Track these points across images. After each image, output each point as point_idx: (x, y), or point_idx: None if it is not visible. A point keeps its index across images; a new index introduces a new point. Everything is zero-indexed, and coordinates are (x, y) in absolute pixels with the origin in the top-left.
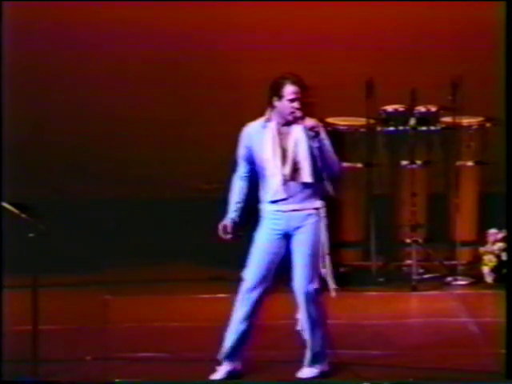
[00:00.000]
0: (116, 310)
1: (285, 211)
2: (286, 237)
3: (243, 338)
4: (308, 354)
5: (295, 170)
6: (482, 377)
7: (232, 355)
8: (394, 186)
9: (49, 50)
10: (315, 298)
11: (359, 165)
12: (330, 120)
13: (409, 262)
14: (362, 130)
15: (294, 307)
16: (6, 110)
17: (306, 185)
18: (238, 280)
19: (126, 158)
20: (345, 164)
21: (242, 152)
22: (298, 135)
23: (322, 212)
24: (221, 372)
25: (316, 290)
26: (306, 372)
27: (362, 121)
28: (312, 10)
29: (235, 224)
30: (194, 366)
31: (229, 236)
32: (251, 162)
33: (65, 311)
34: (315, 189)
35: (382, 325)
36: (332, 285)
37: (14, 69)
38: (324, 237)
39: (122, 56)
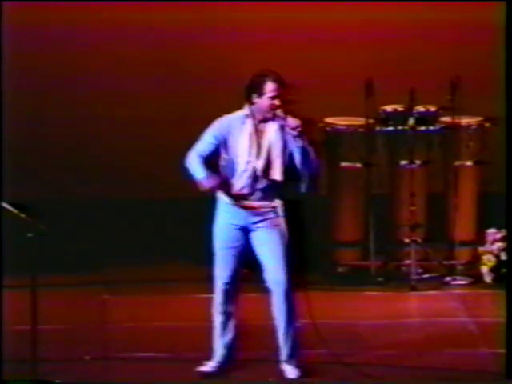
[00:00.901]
0: (115, 309)
1: (242, 206)
2: (245, 231)
3: (230, 338)
4: (284, 351)
5: (267, 166)
6: (481, 376)
7: (220, 353)
8: (393, 186)
9: (49, 49)
10: (290, 293)
11: (358, 165)
12: (329, 120)
13: (408, 261)
14: (361, 129)
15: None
16: (6, 110)
17: (272, 183)
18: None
19: (125, 157)
20: (344, 164)
21: (213, 139)
22: (273, 133)
23: (280, 211)
24: (206, 367)
25: (290, 285)
26: (290, 371)
27: (361, 121)
28: (311, 11)
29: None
30: (193, 366)
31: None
32: (217, 149)
33: (64, 311)
34: (279, 188)
35: (381, 324)
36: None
37: (13, 69)
38: (285, 233)
39: (121, 56)
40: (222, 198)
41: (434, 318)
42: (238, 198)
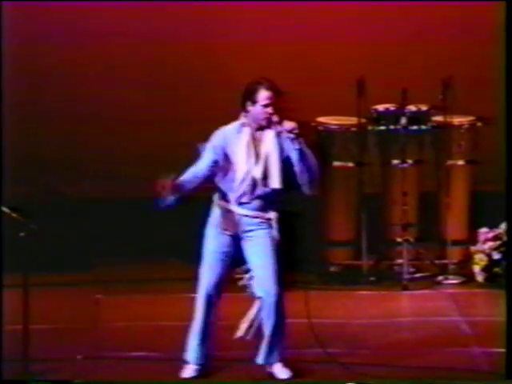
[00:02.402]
0: (107, 309)
1: (236, 214)
2: (235, 238)
3: (207, 339)
4: (264, 350)
5: (265, 174)
6: (473, 376)
7: (199, 356)
8: (385, 185)
9: (48, 50)
10: (280, 302)
11: (350, 164)
12: (321, 119)
13: (400, 261)
14: (353, 129)
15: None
16: (5, 110)
17: (271, 192)
18: (231, 280)
19: (117, 157)
20: (336, 163)
21: (211, 150)
22: (270, 140)
23: (274, 224)
24: (189, 371)
25: (280, 293)
26: (281, 372)
27: (353, 120)
28: (303, 10)
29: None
30: (184, 365)
31: (166, 192)
32: (216, 162)
33: (56, 310)
34: (275, 198)
35: (373, 324)
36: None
37: (12, 69)
38: (276, 246)
39: (117, 56)
40: (220, 202)
41: (426, 317)
42: (235, 205)
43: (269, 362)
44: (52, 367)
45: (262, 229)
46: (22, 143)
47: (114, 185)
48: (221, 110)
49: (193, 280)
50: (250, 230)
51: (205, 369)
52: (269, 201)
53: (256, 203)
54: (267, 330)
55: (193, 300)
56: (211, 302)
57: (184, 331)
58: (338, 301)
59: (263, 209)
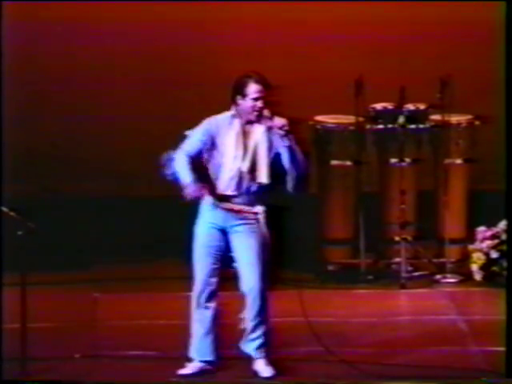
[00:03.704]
0: (105, 307)
1: (223, 208)
2: (223, 232)
3: (211, 338)
4: (252, 350)
5: (253, 168)
6: (470, 375)
7: (203, 355)
8: (382, 184)
9: (46, 51)
10: (262, 299)
11: (348, 163)
12: (319, 118)
13: (398, 259)
14: (351, 127)
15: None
16: (4, 109)
17: (258, 187)
18: (226, 279)
19: (113, 156)
20: (334, 162)
21: (202, 136)
22: (259, 134)
23: (261, 217)
24: (191, 368)
25: (264, 290)
26: (263, 370)
27: (351, 119)
28: (301, 8)
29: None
30: (182, 364)
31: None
32: (204, 149)
33: (53, 309)
34: (262, 193)
35: (371, 322)
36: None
37: (13, 69)
38: (265, 241)
39: (117, 56)
40: (206, 198)
41: (424, 316)
42: (221, 199)
43: (251, 354)
44: (50, 366)
45: (248, 224)
46: (22, 142)
47: (113, 184)
48: (220, 109)
49: (191, 278)
50: (237, 225)
51: (204, 368)
52: (256, 196)
53: (243, 198)
54: (249, 325)
55: (190, 298)
56: (206, 296)
57: (182, 330)
58: (335, 300)
59: (250, 203)
